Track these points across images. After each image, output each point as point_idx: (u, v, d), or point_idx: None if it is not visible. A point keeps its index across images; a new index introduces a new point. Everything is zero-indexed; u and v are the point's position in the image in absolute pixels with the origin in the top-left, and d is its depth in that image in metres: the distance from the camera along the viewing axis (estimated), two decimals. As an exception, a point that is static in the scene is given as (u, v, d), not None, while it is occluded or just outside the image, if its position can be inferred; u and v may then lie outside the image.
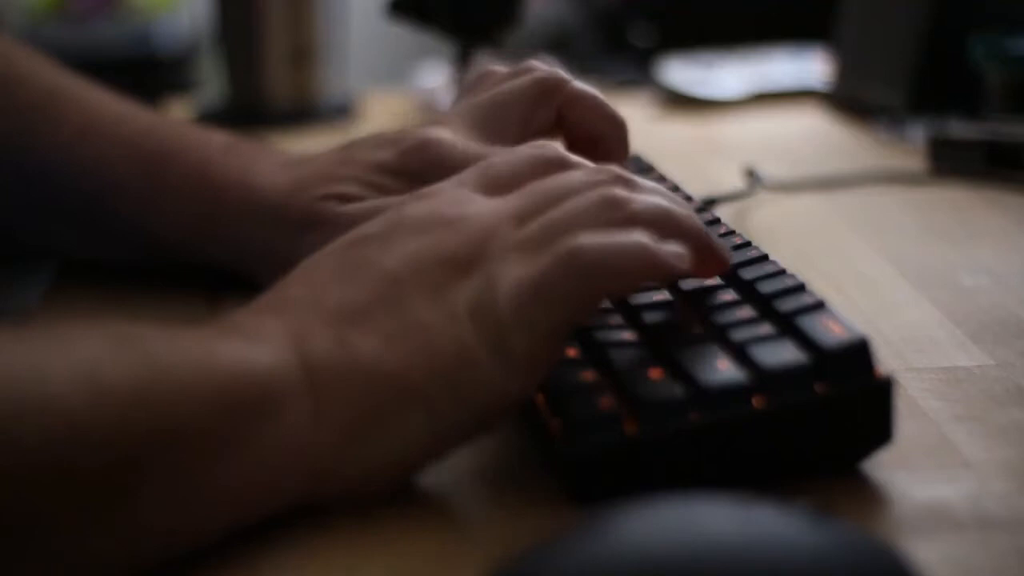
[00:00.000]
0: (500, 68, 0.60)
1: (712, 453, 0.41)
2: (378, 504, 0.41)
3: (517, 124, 0.56)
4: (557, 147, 0.47)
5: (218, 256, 0.61)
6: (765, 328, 0.43)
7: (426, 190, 0.46)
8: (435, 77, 1.09)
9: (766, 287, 0.45)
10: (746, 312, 0.44)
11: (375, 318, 0.41)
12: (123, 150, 0.63)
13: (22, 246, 0.77)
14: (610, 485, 0.40)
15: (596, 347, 0.44)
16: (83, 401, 0.35)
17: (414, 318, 0.40)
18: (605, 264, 0.40)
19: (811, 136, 0.95)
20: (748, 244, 0.50)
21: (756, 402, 0.40)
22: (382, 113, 1.03)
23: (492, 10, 0.95)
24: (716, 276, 0.45)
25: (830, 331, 0.41)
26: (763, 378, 0.40)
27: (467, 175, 0.46)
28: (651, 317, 0.45)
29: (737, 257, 0.49)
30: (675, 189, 0.60)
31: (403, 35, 1.35)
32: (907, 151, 0.85)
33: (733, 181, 0.77)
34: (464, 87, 0.61)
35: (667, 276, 0.42)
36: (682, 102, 1.04)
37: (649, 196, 0.43)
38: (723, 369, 0.41)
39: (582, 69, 1.27)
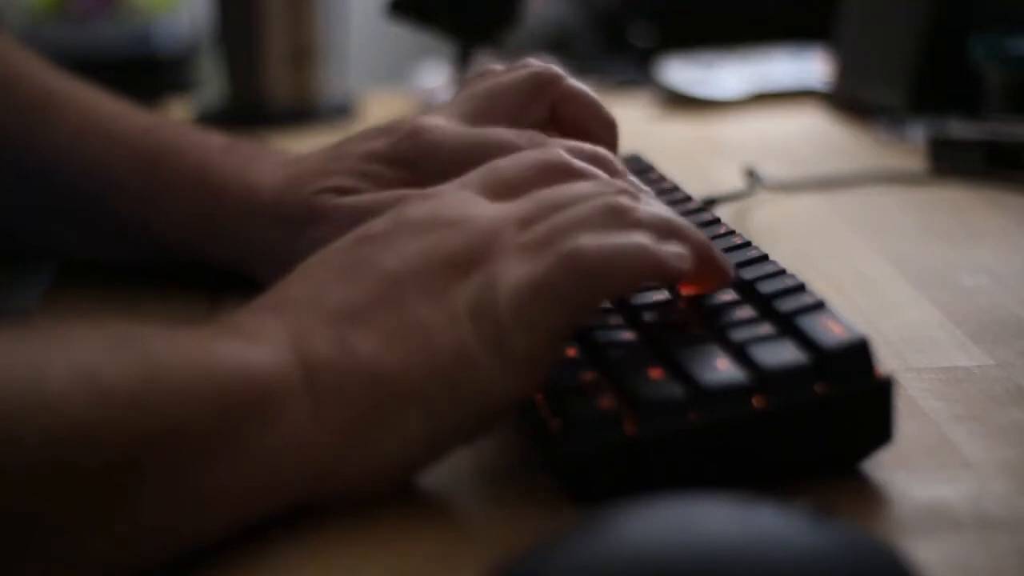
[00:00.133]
0: (499, 66, 0.60)
1: (712, 453, 0.41)
2: (378, 504, 0.41)
3: (509, 116, 0.56)
4: (561, 152, 0.47)
5: (218, 255, 0.61)
6: (765, 328, 0.43)
7: (429, 191, 0.46)
8: (435, 77, 1.09)
9: (766, 287, 0.45)
10: (746, 312, 0.44)
11: (375, 318, 0.41)
12: (122, 150, 0.63)
13: (22, 246, 0.77)
14: (610, 485, 0.40)
15: (596, 347, 0.44)
16: (83, 401, 0.35)
17: (414, 318, 0.40)
18: (605, 265, 0.40)
19: (811, 136, 0.95)
20: (748, 244, 0.50)
21: (756, 402, 0.40)
22: (382, 113, 1.03)
23: (492, 10, 0.95)
24: (719, 289, 0.45)
25: (830, 331, 0.41)
26: (763, 378, 0.40)
27: (470, 177, 0.46)
28: (651, 317, 0.45)
29: (737, 257, 0.49)
30: (675, 189, 0.60)
31: (403, 35, 1.35)
32: (907, 151, 0.85)
33: (733, 181, 0.77)
34: (462, 84, 0.61)
35: (667, 277, 0.42)
36: (682, 102, 1.04)
37: (653, 207, 0.43)
38: (723, 369, 0.41)
39: (582, 69, 1.27)
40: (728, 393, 0.40)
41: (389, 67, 2.08)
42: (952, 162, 0.78)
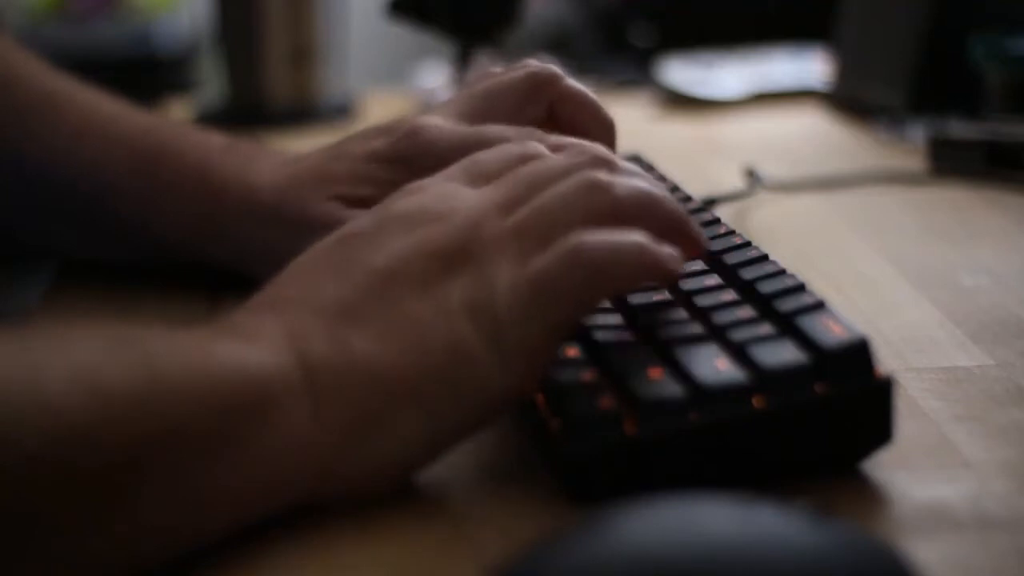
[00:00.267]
0: (498, 68, 0.60)
1: (712, 453, 0.41)
2: (378, 504, 0.41)
3: (507, 115, 0.56)
4: (538, 146, 0.47)
5: (218, 255, 0.61)
6: (765, 328, 0.43)
7: (411, 185, 0.46)
8: (435, 77, 1.09)
9: (766, 287, 0.45)
10: (746, 312, 0.44)
11: (370, 316, 0.41)
12: (121, 151, 0.63)
13: (22, 246, 0.77)
14: (610, 485, 0.40)
15: (596, 347, 0.44)
16: (83, 402, 0.35)
17: (409, 314, 0.41)
18: (606, 263, 0.40)
19: (811, 136, 0.95)
20: (748, 244, 0.50)
21: (756, 402, 0.40)
22: (382, 113, 1.03)
23: (492, 10, 0.95)
24: (693, 259, 0.46)
25: (830, 331, 0.41)
26: (763, 378, 0.40)
27: (452, 170, 0.46)
28: (651, 317, 0.45)
29: (737, 257, 0.49)
30: (675, 189, 0.60)
31: (403, 35, 1.35)
32: (907, 151, 0.85)
33: (733, 181, 0.77)
34: (462, 86, 0.62)
35: (663, 278, 0.42)
36: (682, 102, 1.04)
37: (630, 179, 0.44)
38: (723, 369, 0.41)
39: (582, 69, 1.27)
40: (728, 393, 0.40)
41: (389, 67, 2.08)
42: (952, 162, 0.78)
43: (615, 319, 0.45)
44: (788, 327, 0.43)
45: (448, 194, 0.44)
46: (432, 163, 0.54)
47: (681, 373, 0.41)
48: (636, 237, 0.41)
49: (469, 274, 0.41)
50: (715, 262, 0.49)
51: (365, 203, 0.55)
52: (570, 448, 0.40)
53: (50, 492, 0.34)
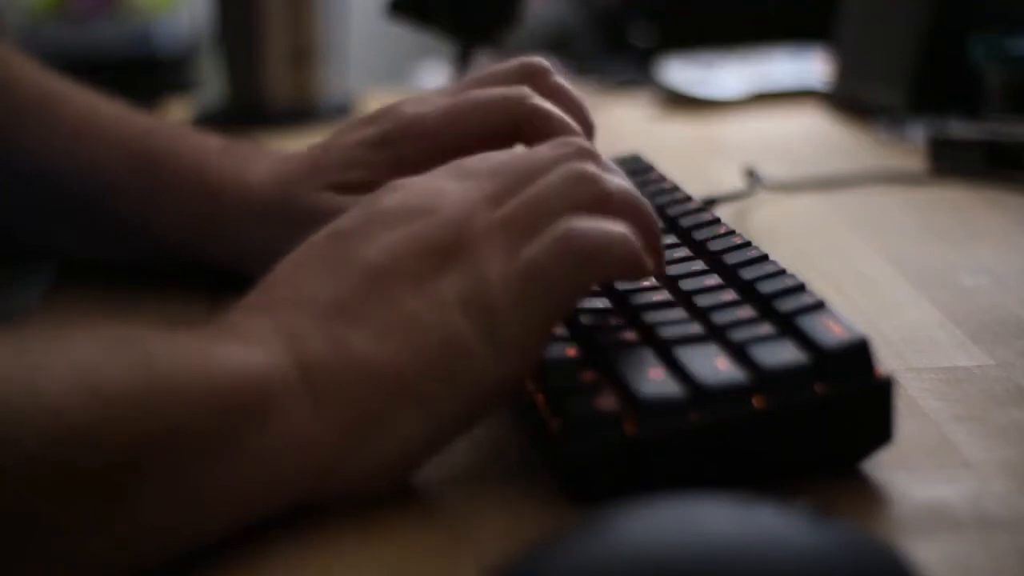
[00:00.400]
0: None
1: (712, 453, 0.41)
2: (378, 504, 0.41)
3: None
4: (520, 156, 0.47)
5: (218, 255, 0.61)
6: (765, 328, 0.43)
7: (397, 182, 0.46)
8: (435, 77, 1.09)
9: (766, 287, 0.45)
10: (746, 312, 0.44)
11: (365, 314, 0.41)
12: (120, 152, 0.63)
13: (22, 246, 0.77)
14: (610, 485, 0.40)
15: (596, 347, 0.44)
16: (82, 402, 0.35)
17: (403, 311, 0.41)
18: (596, 248, 0.41)
19: (811, 136, 0.95)
20: (748, 244, 0.50)
21: (756, 402, 0.40)
22: (382, 113, 1.03)
23: (492, 10, 0.95)
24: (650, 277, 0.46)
25: (830, 331, 0.41)
26: (763, 378, 0.40)
27: (439, 170, 0.46)
28: (651, 317, 0.45)
29: (737, 257, 0.49)
30: (675, 189, 0.60)
31: (403, 35, 1.35)
32: (907, 151, 0.85)
33: (733, 181, 0.77)
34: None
35: (640, 274, 0.43)
36: (682, 102, 1.04)
37: (614, 176, 0.44)
38: (723, 369, 0.41)
39: (582, 69, 1.27)
40: (728, 393, 0.40)
41: (389, 67, 2.08)
42: (952, 162, 0.78)
43: (615, 319, 0.45)
44: (788, 327, 0.43)
45: (435, 189, 0.44)
46: (421, 142, 0.55)
47: (681, 373, 0.41)
48: (622, 228, 0.41)
49: (461, 268, 0.41)
50: (715, 262, 0.49)
51: (358, 188, 0.55)
52: (570, 448, 0.40)
53: (50, 492, 0.34)
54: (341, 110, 1.02)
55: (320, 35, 1.02)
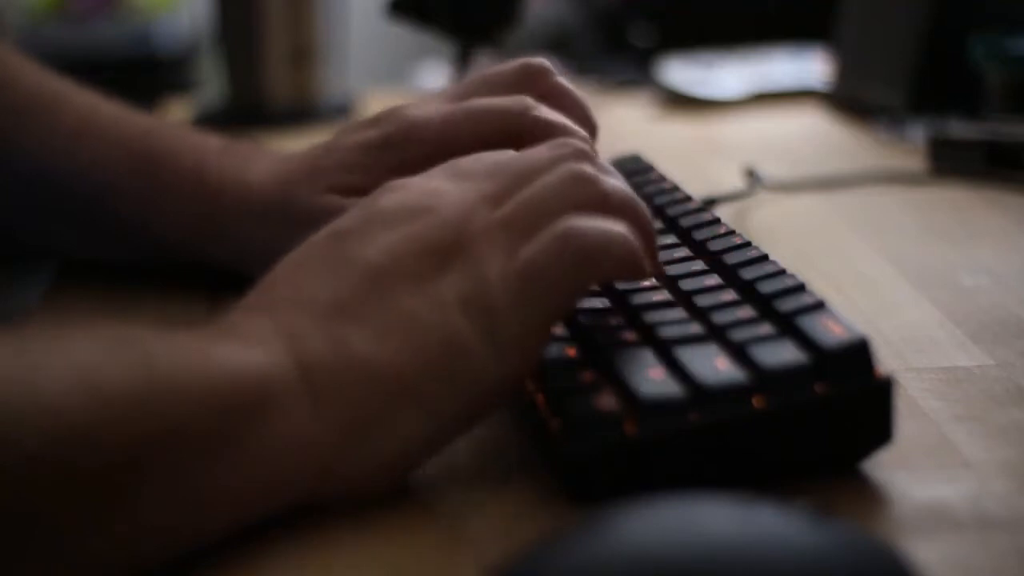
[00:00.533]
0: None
1: (712, 453, 0.41)
2: (378, 504, 0.41)
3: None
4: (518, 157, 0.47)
5: (218, 255, 0.61)
6: (765, 328, 0.43)
7: (395, 183, 0.46)
8: (435, 77, 1.09)
9: (766, 287, 0.45)
10: (746, 312, 0.44)
11: (365, 313, 0.41)
12: (119, 152, 0.63)
13: (22, 246, 0.77)
14: (610, 485, 0.40)
15: (596, 347, 0.44)
16: (82, 402, 0.35)
17: (403, 311, 0.41)
18: (595, 247, 0.41)
19: (811, 136, 0.95)
20: (748, 244, 0.50)
21: (756, 402, 0.40)
22: (382, 113, 1.03)
23: (492, 10, 0.95)
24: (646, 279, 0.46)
25: (830, 331, 0.41)
26: (763, 378, 0.40)
27: (437, 170, 0.46)
28: (651, 317, 0.45)
29: (737, 257, 0.49)
30: (675, 189, 0.60)
31: (403, 35, 1.35)
32: (907, 151, 0.85)
33: (733, 181, 0.77)
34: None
35: (638, 273, 0.43)
36: (682, 102, 1.04)
37: (611, 177, 0.44)
38: (723, 369, 0.41)
39: (582, 69, 1.27)
40: (728, 393, 0.40)
41: (389, 67, 2.08)
42: (952, 162, 0.78)
43: (615, 319, 0.45)
44: (788, 327, 0.43)
45: (434, 189, 0.44)
46: (423, 146, 0.55)
47: (681, 373, 0.41)
48: (621, 227, 0.41)
49: (460, 268, 0.41)
50: (715, 262, 0.49)
51: (359, 191, 0.55)
52: (570, 448, 0.40)
53: (50, 492, 0.34)
54: (341, 110, 1.02)
55: (320, 35, 1.02)
